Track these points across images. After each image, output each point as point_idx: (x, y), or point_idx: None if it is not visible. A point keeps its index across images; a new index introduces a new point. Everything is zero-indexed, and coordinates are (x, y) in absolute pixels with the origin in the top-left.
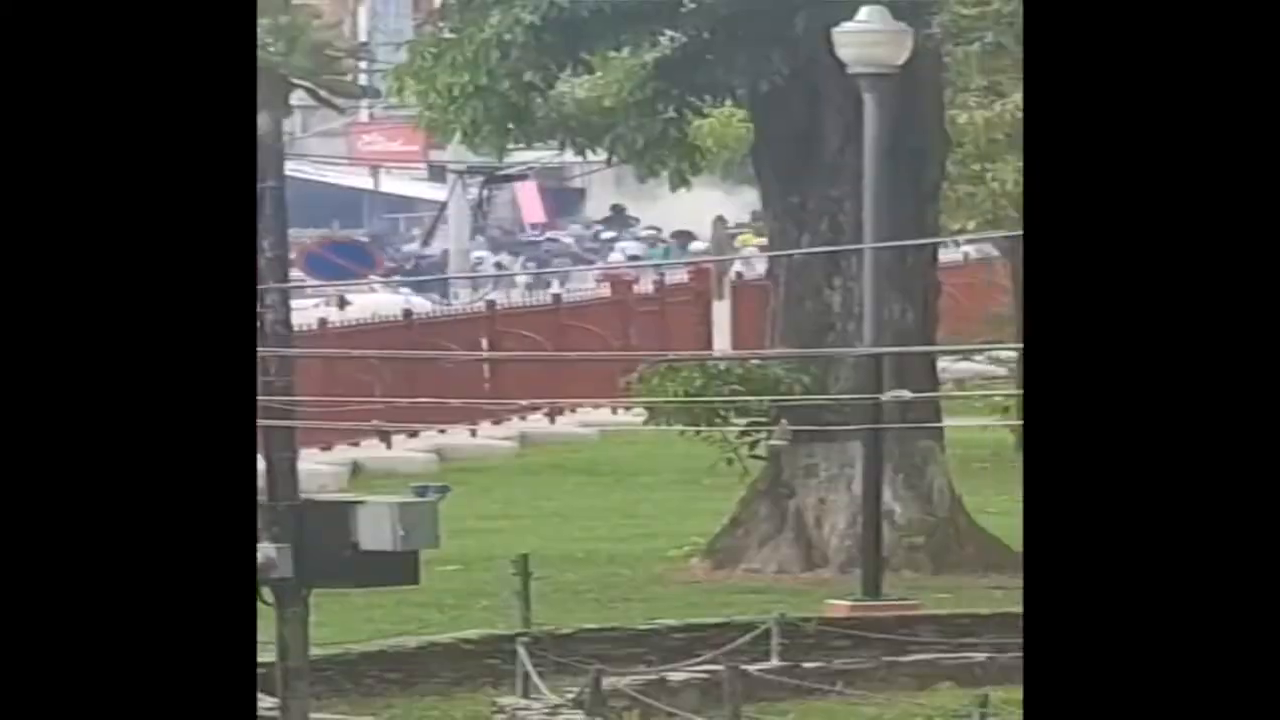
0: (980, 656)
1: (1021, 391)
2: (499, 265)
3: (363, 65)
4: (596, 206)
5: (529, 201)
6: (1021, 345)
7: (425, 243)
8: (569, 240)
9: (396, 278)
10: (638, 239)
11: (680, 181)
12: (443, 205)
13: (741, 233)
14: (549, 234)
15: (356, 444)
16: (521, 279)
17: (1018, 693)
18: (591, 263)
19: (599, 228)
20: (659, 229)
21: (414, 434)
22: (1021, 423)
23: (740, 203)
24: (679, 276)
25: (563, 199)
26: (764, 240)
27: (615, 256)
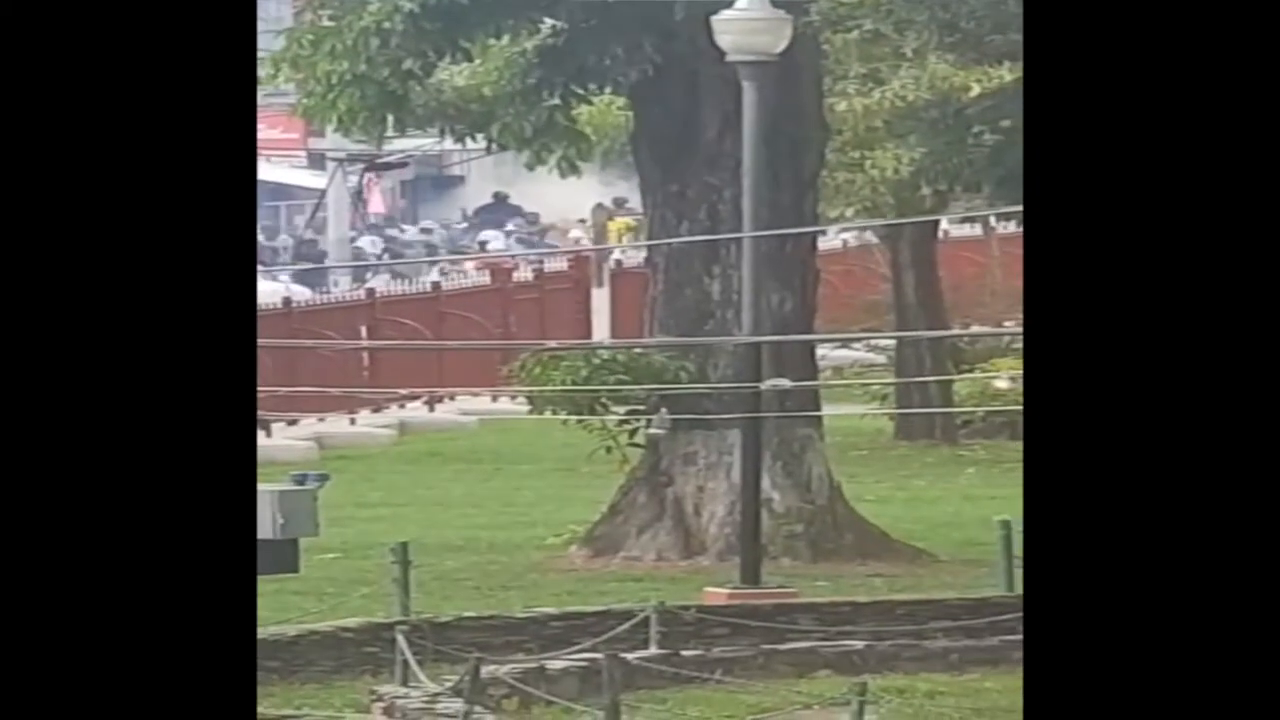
0: (859, 644)
1: (898, 380)
2: (379, 256)
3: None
4: (475, 194)
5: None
6: (897, 334)
7: (308, 230)
8: (446, 229)
9: (277, 266)
10: (517, 227)
11: (569, 169)
12: (322, 193)
13: (617, 220)
14: (427, 222)
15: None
16: (402, 267)
17: (896, 680)
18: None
19: (479, 217)
20: (537, 215)
21: (293, 422)
22: (898, 411)
23: (619, 191)
24: (559, 264)
25: (442, 186)
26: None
27: (495, 245)
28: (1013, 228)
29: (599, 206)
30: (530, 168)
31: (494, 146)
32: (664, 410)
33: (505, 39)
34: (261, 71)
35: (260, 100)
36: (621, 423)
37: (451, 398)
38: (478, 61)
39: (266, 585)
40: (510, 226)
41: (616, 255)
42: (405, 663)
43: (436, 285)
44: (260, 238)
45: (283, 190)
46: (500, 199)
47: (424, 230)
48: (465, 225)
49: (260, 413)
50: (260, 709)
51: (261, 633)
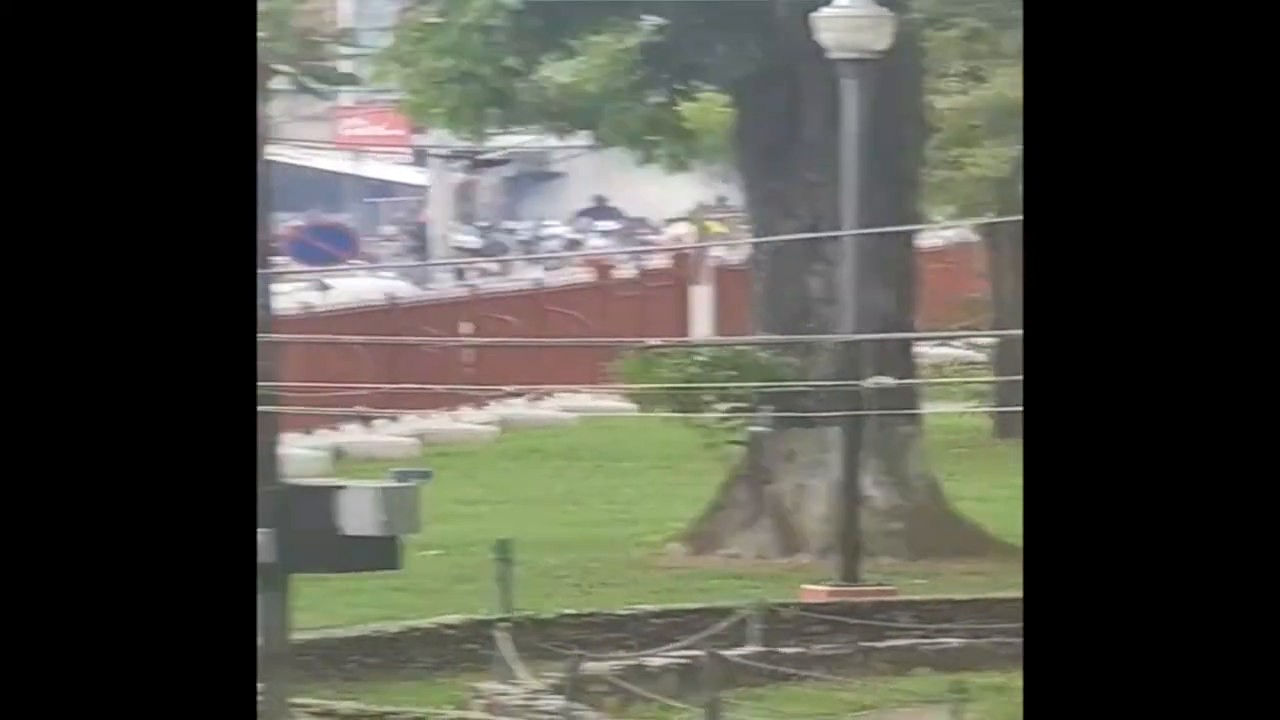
0: (956, 642)
1: (998, 378)
2: (479, 251)
3: (347, 50)
4: (576, 191)
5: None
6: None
7: (410, 225)
8: (548, 226)
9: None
10: (618, 225)
11: (677, 165)
12: (425, 189)
13: (710, 219)
14: (528, 220)
15: (338, 429)
16: (504, 263)
17: (994, 678)
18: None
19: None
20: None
21: (395, 419)
22: (998, 409)
23: (719, 190)
24: (660, 262)
25: (543, 183)
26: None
27: (596, 242)
28: None
29: (699, 205)
30: (639, 164)
31: (598, 143)
32: (766, 409)
33: (608, 35)
34: (367, 69)
35: (364, 96)
36: (723, 420)
37: (553, 395)
38: (581, 58)
39: (368, 582)
40: (611, 224)
41: (717, 253)
42: (506, 660)
43: (538, 282)
44: (363, 233)
45: (386, 187)
46: (600, 199)
47: (526, 227)
48: (566, 222)
49: (364, 409)
50: (361, 705)
51: (363, 629)
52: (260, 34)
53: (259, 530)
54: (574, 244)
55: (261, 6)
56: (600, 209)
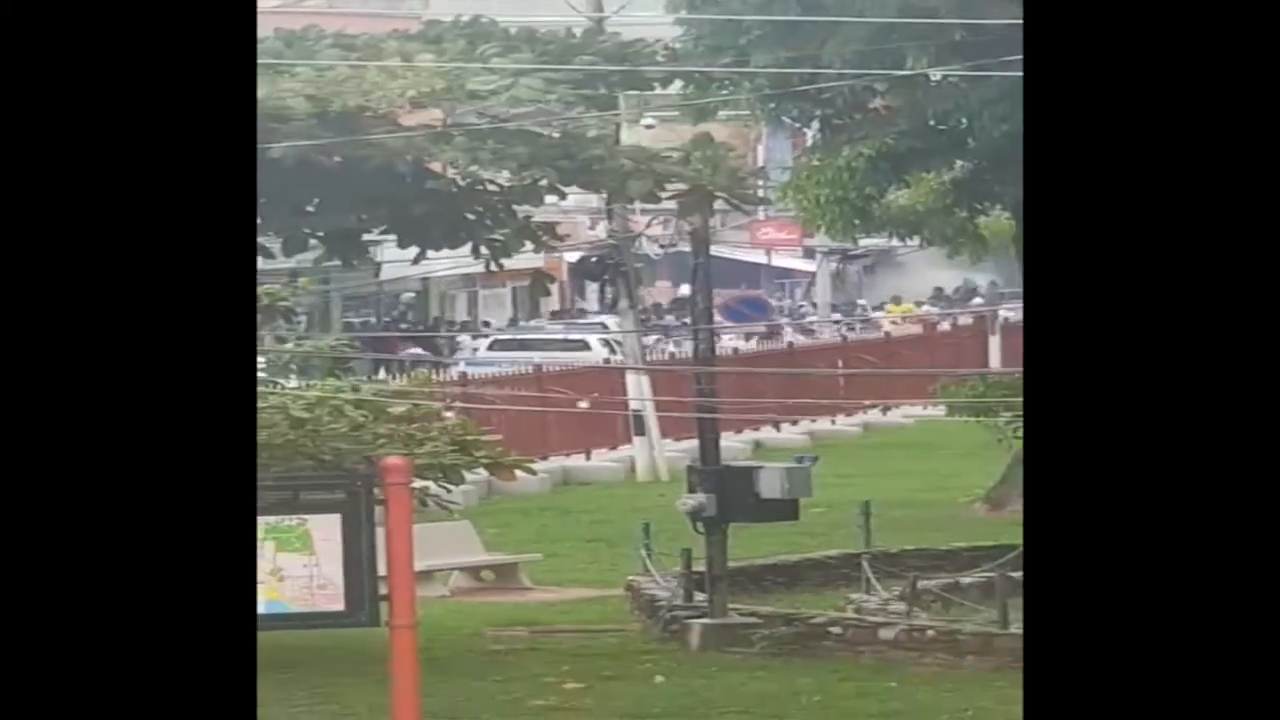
0: None
1: None
2: (843, 311)
3: (760, 182)
4: (914, 275)
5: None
6: None
7: (805, 299)
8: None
9: (783, 320)
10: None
11: (975, 259)
12: (813, 275)
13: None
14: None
15: (757, 429)
16: (864, 321)
17: None
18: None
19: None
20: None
21: (795, 422)
22: None
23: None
24: (966, 320)
25: (889, 270)
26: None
27: (925, 308)
28: None
29: (992, 283)
30: (950, 257)
31: (924, 244)
32: None
33: (931, 174)
34: (775, 194)
35: (772, 214)
36: (1008, 423)
37: (898, 406)
38: (914, 188)
39: (776, 528)
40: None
41: (1004, 313)
42: (868, 579)
43: (888, 334)
44: (773, 304)
45: (786, 272)
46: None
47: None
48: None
49: (774, 416)
50: (774, 609)
51: (771, 559)
52: (705, 172)
53: (707, 495)
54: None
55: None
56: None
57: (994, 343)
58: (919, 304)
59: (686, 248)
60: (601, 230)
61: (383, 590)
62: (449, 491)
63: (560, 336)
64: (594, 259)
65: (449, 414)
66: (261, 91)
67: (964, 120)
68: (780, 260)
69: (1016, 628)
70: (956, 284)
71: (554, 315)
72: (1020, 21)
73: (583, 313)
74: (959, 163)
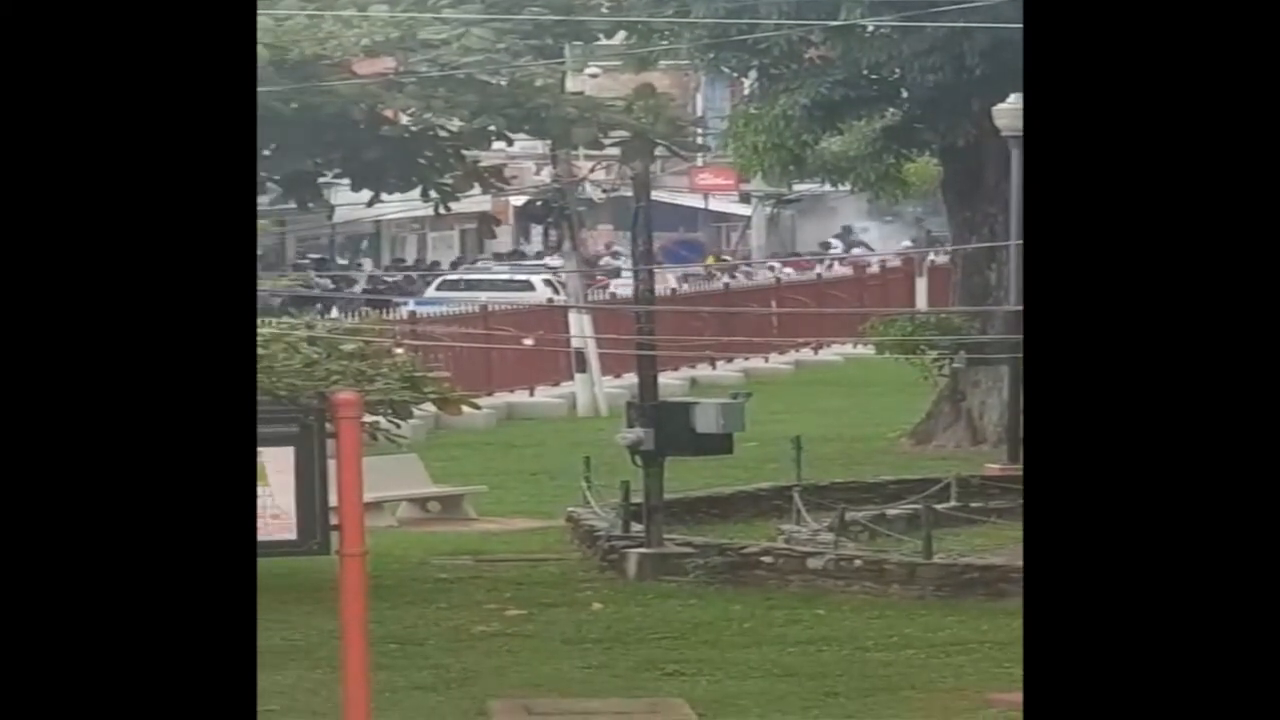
0: None
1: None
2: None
3: (699, 130)
4: (844, 219)
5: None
6: None
7: (739, 243)
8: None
9: (725, 260)
10: (869, 239)
11: (895, 202)
12: (748, 219)
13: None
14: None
15: (694, 366)
16: (796, 262)
17: None
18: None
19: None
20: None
21: (730, 360)
22: None
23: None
24: (895, 263)
25: (821, 215)
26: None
27: (855, 251)
28: None
29: (919, 221)
30: (871, 201)
31: (854, 190)
32: (961, 353)
33: (863, 121)
34: (713, 141)
35: (710, 159)
36: (934, 361)
37: (828, 345)
38: (847, 135)
39: (710, 462)
40: (864, 238)
41: (930, 257)
42: (798, 510)
43: (819, 275)
44: (709, 246)
45: (723, 216)
46: (846, 229)
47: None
48: (835, 239)
49: (710, 354)
50: (707, 539)
51: (706, 492)
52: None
53: (645, 430)
54: (840, 251)
55: (648, 103)
56: (853, 232)
57: (921, 284)
58: (826, 244)
59: (628, 192)
60: (546, 175)
61: (333, 520)
62: (398, 426)
63: (505, 277)
64: (539, 203)
65: (399, 351)
66: None
67: (897, 70)
68: (717, 204)
69: (940, 557)
70: (879, 227)
71: (499, 257)
72: None
73: (523, 256)
74: (890, 111)
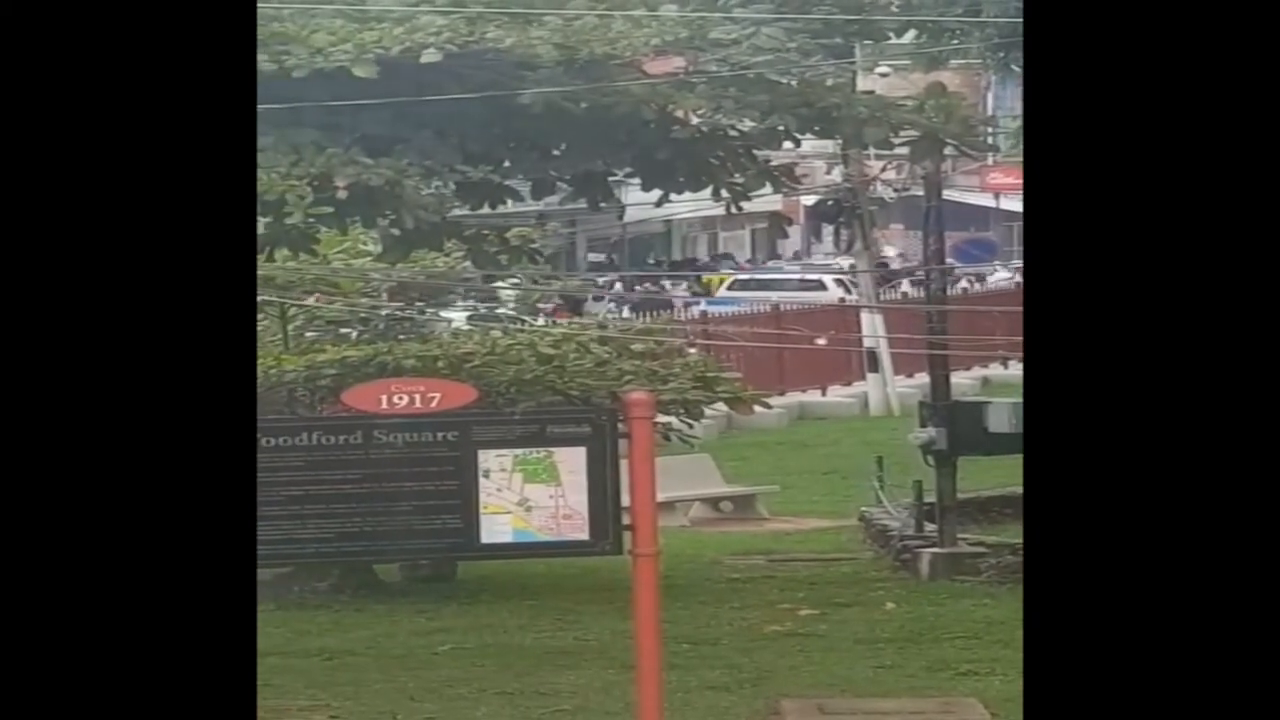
0: None
1: None
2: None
3: (990, 129)
4: None
5: None
6: None
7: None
8: None
9: (1014, 262)
10: None
11: None
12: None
13: None
14: None
15: (986, 366)
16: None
17: None
18: None
19: None
20: None
21: (1022, 359)
22: None
23: None
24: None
25: None
26: None
27: None
28: None
29: None
30: None
31: None
32: None
33: None
34: (1004, 140)
35: (1000, 158)
36: None
37: None
38: None
39: (1004, 461)
40: None
41: None
42: None
43: None
44: (1001, 245)
45: (1014, 215)
46: None
47: None
48: None
49: (1004, 353)
50: (995, 539)
51: (999, 491)
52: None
53: (937, 429)
54: None
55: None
56: None
57: None
58: None
59: (919, 192)
60: (837, 175)
61: (625, 520)
62: (690, 426)
63: (797, 276)
64: (830, 202)
65: (691, 351)
66: (511, 39)
67: None
68: (1008, 204)
69: None
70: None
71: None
72: None
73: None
74: None
